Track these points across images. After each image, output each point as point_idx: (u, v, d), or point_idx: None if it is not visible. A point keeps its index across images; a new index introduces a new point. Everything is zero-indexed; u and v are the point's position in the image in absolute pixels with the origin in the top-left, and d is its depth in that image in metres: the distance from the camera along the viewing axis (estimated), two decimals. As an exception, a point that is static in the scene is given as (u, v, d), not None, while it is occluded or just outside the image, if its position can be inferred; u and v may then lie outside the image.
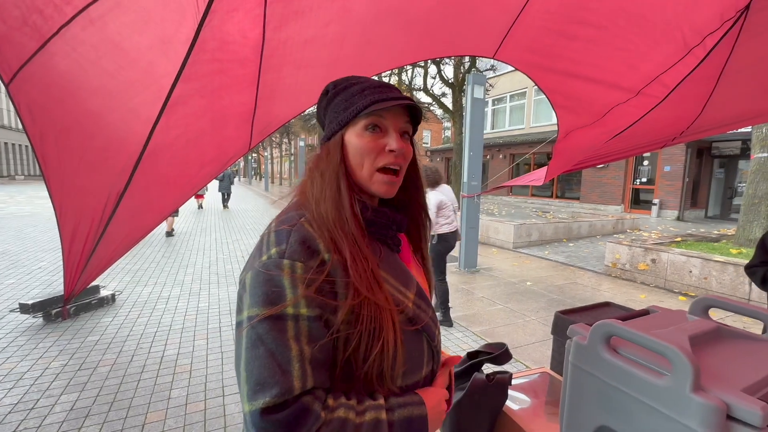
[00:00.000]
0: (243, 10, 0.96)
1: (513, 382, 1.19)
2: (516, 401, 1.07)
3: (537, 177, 2.84)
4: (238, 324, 0.54)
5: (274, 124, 1.51)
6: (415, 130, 0.68)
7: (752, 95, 1.72)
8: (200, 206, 13.81)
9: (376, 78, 0.76)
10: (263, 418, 0.48)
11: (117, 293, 4.32)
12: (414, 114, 0.65)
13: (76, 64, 0.88)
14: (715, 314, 4.13)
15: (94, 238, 1.32)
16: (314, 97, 1.51)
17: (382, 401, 0.55)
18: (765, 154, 5.81)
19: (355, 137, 0.62)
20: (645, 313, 0.85)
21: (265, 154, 35.29)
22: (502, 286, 5.08)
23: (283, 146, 38.24)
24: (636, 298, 4.70)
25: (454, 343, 3.29)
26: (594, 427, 0.66)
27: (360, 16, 1.19)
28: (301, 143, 19.53)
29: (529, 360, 3.02)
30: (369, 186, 0.63)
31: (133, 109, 1.07)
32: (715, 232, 7.67)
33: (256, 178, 48.71)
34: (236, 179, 36.38)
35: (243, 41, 1.04)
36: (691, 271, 4.90)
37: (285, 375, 0.49)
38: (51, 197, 1.03)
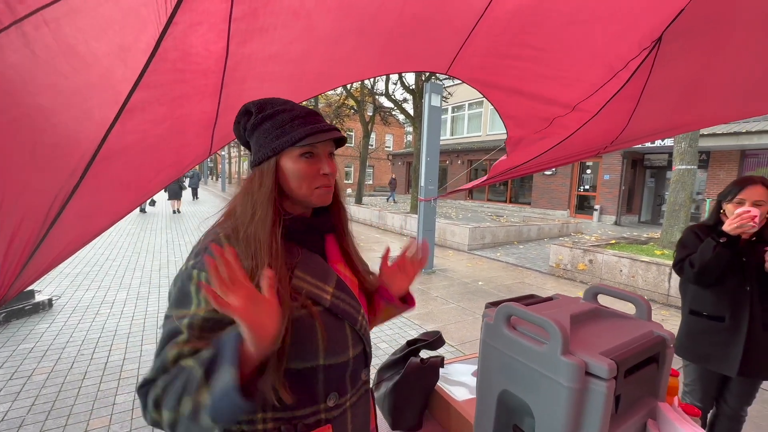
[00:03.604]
0: (208, 24, 1.00)
1: (452, 365, 1.32)
2: (449, 381, 1.21)
3: (484, 178, 3.06)
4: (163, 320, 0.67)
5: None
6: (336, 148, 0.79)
7: (666, 111, 2.01)
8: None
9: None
10: (140, 389, 0.60)
11: (54, 298, 4.04)
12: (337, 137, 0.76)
13: (27, 60, 0.88)
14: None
15: (35, 241, 1.29)
16: None
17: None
18: (684, 167, 6.56)
19: (291, 163, 0.71)
20: (550, 299, 1.02)
21: (222, 153, 33.99)
22: (456, 286, 5.33)
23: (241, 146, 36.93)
24: (575, 295, 5.11)
25: (408, 341, 3.43)
26: (498, 392, 0.80)
27: (323, 35, 1.26)
28: (261, 143, 19.01)
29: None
30: (309, 201, 0.74)
31: (87, 111, 1.07)
32: (645, 235, 8.49)
33: (212, 178, 46.64)
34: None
35: (206, 53, 1.08)
36: (621, 271, 5.42)
37: (162, 362, 0.59)
38: None
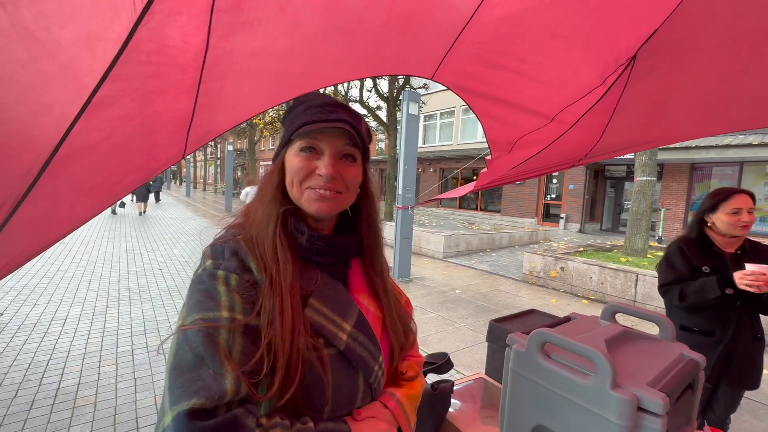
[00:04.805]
0: (187, 14, 0.91)
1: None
2: (455, 407, 1.13)
3: (467, 188, 3.07)
4: (174, 331, 0.53)
5: (213, 132, 1.43)
6: (365, 154, 0.67)
7: (637, 127, 2.10)
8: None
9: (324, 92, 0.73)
10: (189, 423, 0.43)
11: (-5, 315, 3.63)
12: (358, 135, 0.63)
13: (-24, 46, 0.75)
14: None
15: (-24, 251, 1.11)
16: (258, 107, 1.47)
17: (311, 424, 0.53)
18: (645, 178, 6.94)
19: (291, 157, 0.62)
20: (567, 319, 0.97)
21: (188, 156, 32.68)
22: (434, 294, 5.30)
23: (208, 149, 35.69)
24: (549, 303, 5.24)
25: (390, 353, 3.34)
26: (531, 427, 0.73)
27: (309, 32, 1.21)
28: (230, 147, 18.41)
29: (460, 365, 3.18)
30: (300, 204, 0.63)
31: (46, 105, 0.94)
32: (609, 243, 8.90)
33: (175, 183, 44.62)
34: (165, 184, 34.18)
35: (184, 46, 0.99)
36: (591, 278, 5.61)
37: (216, 378, 0.46)
38: None
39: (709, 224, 1.59)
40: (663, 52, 1.49)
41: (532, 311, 1.44)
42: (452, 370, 3.04)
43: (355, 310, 0.63)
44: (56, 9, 0.76)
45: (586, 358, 0.66)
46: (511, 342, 0.80)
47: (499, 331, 1.23)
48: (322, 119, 0.60)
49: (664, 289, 1.61)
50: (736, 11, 1.29)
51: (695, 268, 1.55)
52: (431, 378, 1.13)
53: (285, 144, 0.64)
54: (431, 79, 1.78)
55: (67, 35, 0.82)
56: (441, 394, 1.02)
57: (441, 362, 1.09)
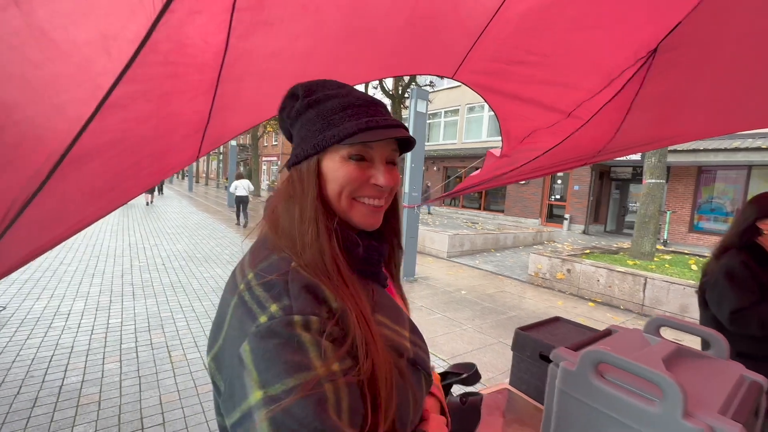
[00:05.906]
0: (207, 13, 0.87)
1: (475, 399, 1.20)
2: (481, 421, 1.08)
3: (474, 181, 2.99)
4: (243, 418, 0.41)
5: (228, 134, 1.39)
6: (400, 153, 0.61)
7: (653, 123, 2.04)
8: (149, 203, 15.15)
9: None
10: None
11: (-2, 309, 3.59)
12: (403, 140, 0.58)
13: (-12, 46, 0.71)
14: (616, 319, 4.69)
15: (-19, 251, 1.07)
16: (275, 108, 1.43)
17: None
18: (654, 180, 6.87)
19: (336, 164, 0.54)
20: (608, 333, 0.91)
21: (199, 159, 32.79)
22: (440, 294, 5.25)
23: (211, 144, 35.64)
24: (555, 305, 5.18)
25: (397, 355, 3.29)
26: (581, 453, 0.67)
27: (331, 32, 1.17)
28: (233, 142, 18.35)
29: (469, 368, 3.13)
30: (348, 218, 0.56)
31: (59, 106, 0.90)
32: (614, 245, 8.83)
33: (178, 177, 44.71)
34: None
35: (204, 46, 0.95)
36: (598, 280, 5.55)
37: None
38: None
39: (765, 232, 1.43)
40: (685, 46, 1.43)
41: (557, 319, 1.38)
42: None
43: (405, 315, 0.61)
44: (72, 8, 0.72)
45: (648, 381, 0.60)
46: (557, 359, 0.75)
47: (526, 340, 1.18)
48: (379, 125, 0.53)
49: (737, 315, 1.37)
50: (760, 5, 1.23)
51: (762, 287, 1.39)
52: (457, 390, 1.08)
53: (323, 149, 0.54)
54: (451, 78, 1.73)
55: (82, 35, 0.78)
56: (471, 408, 0.96)
57: (468, 374, 1.04)
